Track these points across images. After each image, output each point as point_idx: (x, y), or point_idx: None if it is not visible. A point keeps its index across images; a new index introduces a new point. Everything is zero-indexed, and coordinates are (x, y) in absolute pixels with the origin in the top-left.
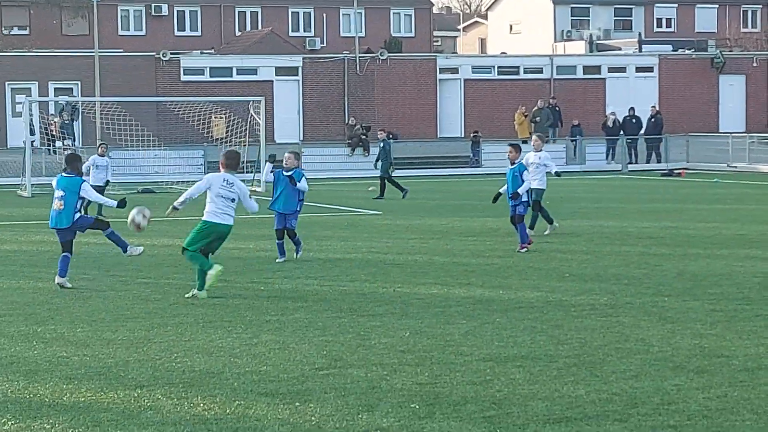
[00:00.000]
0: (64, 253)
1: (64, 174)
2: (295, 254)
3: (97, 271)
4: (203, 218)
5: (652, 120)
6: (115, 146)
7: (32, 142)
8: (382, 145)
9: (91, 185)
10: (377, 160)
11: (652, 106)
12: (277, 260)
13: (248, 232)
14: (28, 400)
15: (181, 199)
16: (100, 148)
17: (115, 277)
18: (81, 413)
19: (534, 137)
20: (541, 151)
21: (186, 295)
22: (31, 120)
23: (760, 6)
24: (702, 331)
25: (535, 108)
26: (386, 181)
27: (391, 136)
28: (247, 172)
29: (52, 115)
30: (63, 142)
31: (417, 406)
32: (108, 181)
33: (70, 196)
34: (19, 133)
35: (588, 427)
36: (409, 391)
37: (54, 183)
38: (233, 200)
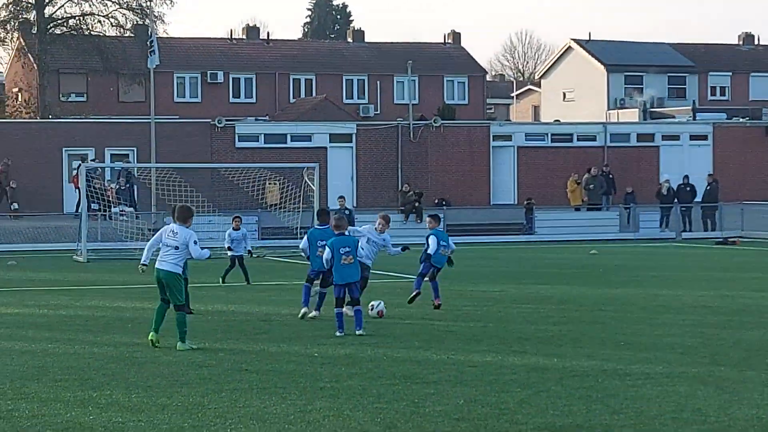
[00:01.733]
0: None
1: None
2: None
3: None
4: None
5: (708, 188)
6: (170, 212)
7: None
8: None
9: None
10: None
11: (709, 174)
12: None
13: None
14: None
15: (144, 254)
16: (234, 222)
17: (170, 343)
18: None
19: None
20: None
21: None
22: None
23: None
24: (759, 401)
25: (589, 175)
26: None
27: (444, 202)
28: (300, 238)
29: (109, 180)
30: (119, 208)
31: None
32: (250, 251)
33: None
34: (75, 199)
35: None
36: None
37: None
38: (177, 248)
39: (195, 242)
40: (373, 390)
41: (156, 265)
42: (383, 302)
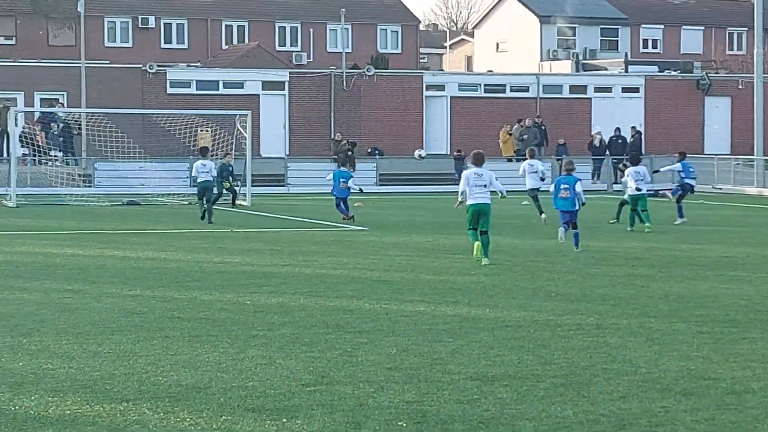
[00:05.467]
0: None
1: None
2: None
3: (83, 283)
4: None
5: (631, 140)
6: (101, 158)
7: (23, 154)
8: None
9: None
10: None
11: (632, 127)
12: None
13: (235, 246)
14: (14, 413)
15: None
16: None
17: (100, 290)
18: (66, 426)
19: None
20: None
21: None
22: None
23: (746, 29)
24: (689, 353)
25: (521, 126)
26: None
27: (377, 152)
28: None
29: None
30: (50, 153)
31: (404, 425)
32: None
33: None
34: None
35: None
36: (397, 409)
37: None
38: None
39: None
40: (306, 339)
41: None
42: None
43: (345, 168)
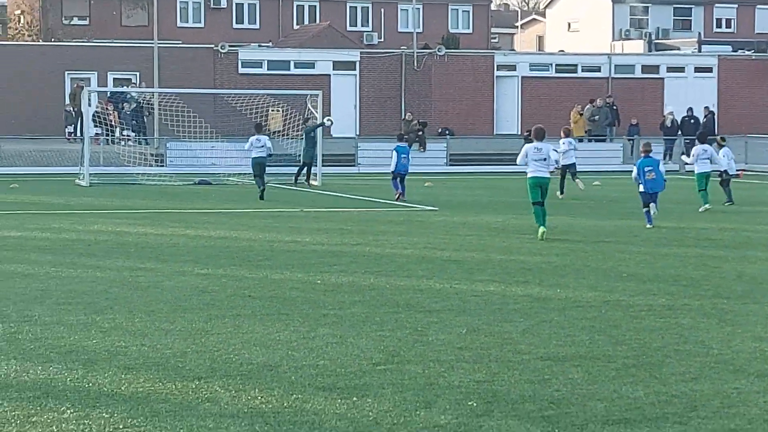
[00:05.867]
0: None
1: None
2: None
3: (155, 261)
4: None
5: (704, 120)
6: (173, 138)
7: (96, 134)
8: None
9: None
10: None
11: (705, 107)
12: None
13: (306, 225)
14: (87, 389)
15: None
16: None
17: (172, 268)
18: (139, 403)
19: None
20: None
21: None
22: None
23: None
24: (762, 334)
25: (593, 107)
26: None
27: (447, 132)
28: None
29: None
30: (122, 133)
31: (474, 404)
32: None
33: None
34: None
35: (647, 429)
36: (467, 389)
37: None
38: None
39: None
40: (376, 318)
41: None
42: None
43: (403, 143)
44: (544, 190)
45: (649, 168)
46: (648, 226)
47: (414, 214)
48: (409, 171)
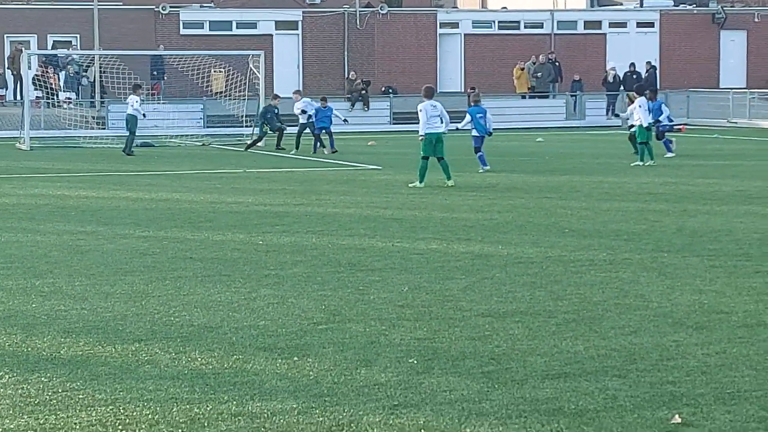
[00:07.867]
0: None
1: None
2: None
3: (95, 225)
4: None
5: (646, 74)
6: (114, 100)
7: (36, 97)
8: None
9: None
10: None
11: (647, 62)
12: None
13: (248, 186)
14: (26, 354)
15: None
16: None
17: (113, 231)
18: (79, 367)
19: None
20: None
21: None
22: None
23: None
24: (701, 287)
25: (535, 63)
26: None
27: (391, 90)
28: (246, 126)
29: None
30: (65, 96)
31: (415, 361)
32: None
33: None
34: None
35: (587, 383)
36: (408, 346)
37: None
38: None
39: None
40: (318, 277)
41: None
42: None
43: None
44: (441, 144)
45: (480, 114)
46: (485, 168)
47: (357, 173)
48: (354, 131)
